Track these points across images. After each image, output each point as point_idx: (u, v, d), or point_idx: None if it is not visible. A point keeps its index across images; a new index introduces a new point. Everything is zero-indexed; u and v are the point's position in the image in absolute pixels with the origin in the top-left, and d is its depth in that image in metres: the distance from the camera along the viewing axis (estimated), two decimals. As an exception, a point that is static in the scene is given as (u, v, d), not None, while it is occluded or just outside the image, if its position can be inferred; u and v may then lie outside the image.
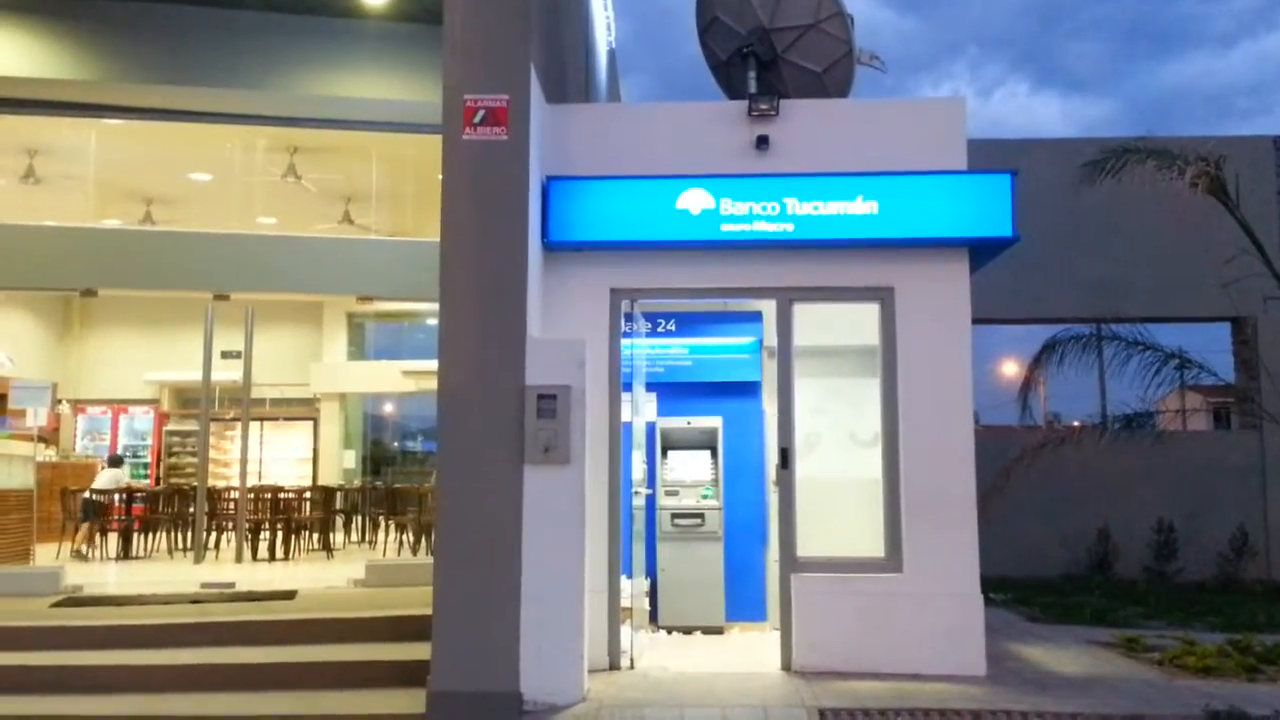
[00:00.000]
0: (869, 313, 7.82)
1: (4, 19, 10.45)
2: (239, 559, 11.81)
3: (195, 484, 12.93)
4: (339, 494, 14.75)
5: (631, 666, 7.48)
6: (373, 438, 19.64)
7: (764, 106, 7.80)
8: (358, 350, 18.71)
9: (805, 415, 7.96)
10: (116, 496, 12.46)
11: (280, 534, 12.32)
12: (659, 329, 9.49)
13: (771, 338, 8.32)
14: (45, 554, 11.71)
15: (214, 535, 12.79)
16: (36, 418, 11.53)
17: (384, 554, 12.44)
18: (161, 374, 17.86)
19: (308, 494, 13.51)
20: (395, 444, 20.16)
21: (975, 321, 7.85)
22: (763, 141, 7.80)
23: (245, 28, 10.65)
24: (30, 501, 10.68)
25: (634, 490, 8.14)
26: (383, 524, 13.78)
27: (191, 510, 12.60)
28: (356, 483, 16.68)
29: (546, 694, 6.43)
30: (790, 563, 7.58)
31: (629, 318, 7.98)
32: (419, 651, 6.61)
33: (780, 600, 7.67)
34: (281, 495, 12.88)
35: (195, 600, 8.58)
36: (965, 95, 8.36)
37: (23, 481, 10.63)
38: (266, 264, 12.18)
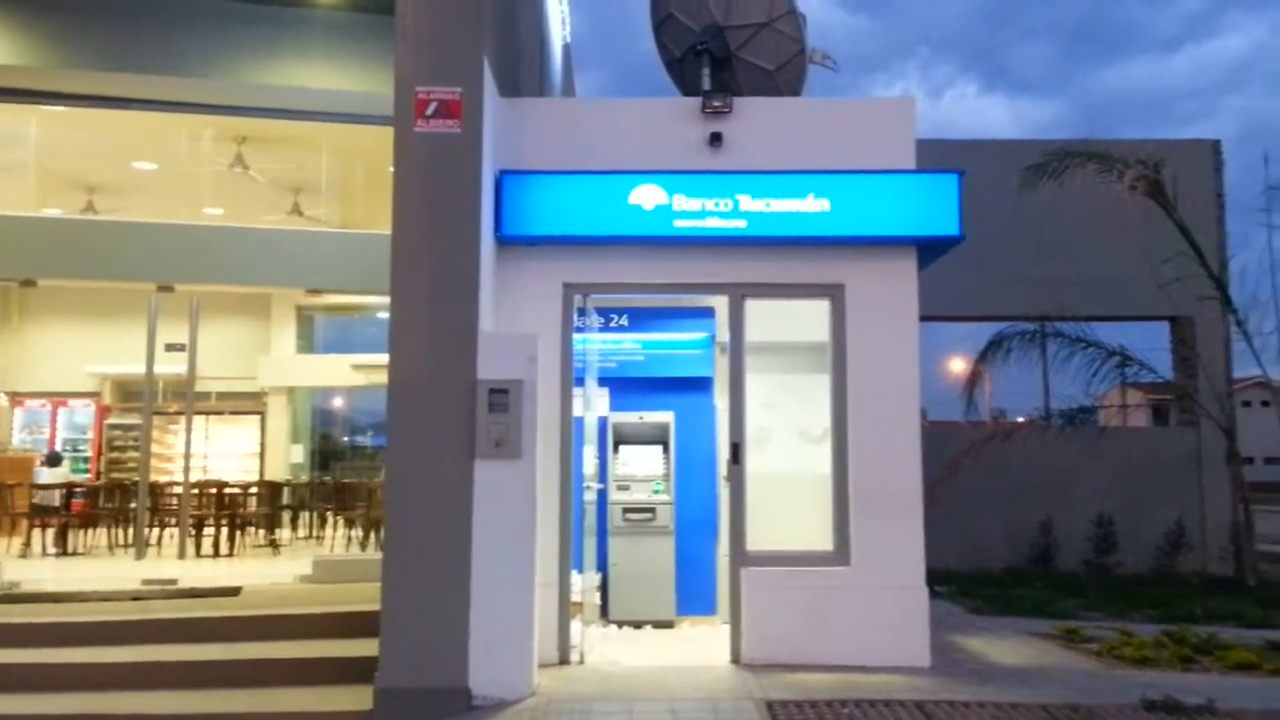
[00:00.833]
0: (820, 309, 7.90)
1: (-59, 3, 10.17)
2: (182, 555, 11.62)
3: (137, 479, 12.71)
4: (286, 489, 14.57)
5: (581, 661, 7.50)
6: (321, 432, 19.41)
7: (718, 104, 7.85)
8: (306, 344, 18.46)
9: (756, 410, 8.01)
10: (58, 494, 12.21)
11: (225, 530, 12.15)
12: (611, 324, 9.50)
13: (723, 333, 8.37)
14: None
15: (156, 531, 12.57)
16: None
17: (331, 549, 12.33)
18: (103, 366, 17.50)
19: (254, 489, 13.34)
20: (344, 438, 19.94)
21: (923, 319, 7.97)
22: (716, 138, 7.84)
23: (193, 14, 10.45)
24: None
25: (585, 485, 8.15)
26: (331, 519, 13.64)
27: (133, 505, 12.39)
28: (304, 477, 16.47)
29: (496, 689, 6.42)
30: (740, 557, 7.64)
31: (581, 312, 7.98)
32: (366, 648, 6.56)
33: (730, 594, 7.73)
34: (227, 490, 12.70)
35: (136, 597, 8.43)
36: (915, 96, 8.48)
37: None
38: (212, 255, 11.98)
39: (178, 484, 12.82)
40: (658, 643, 8.40)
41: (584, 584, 7.96)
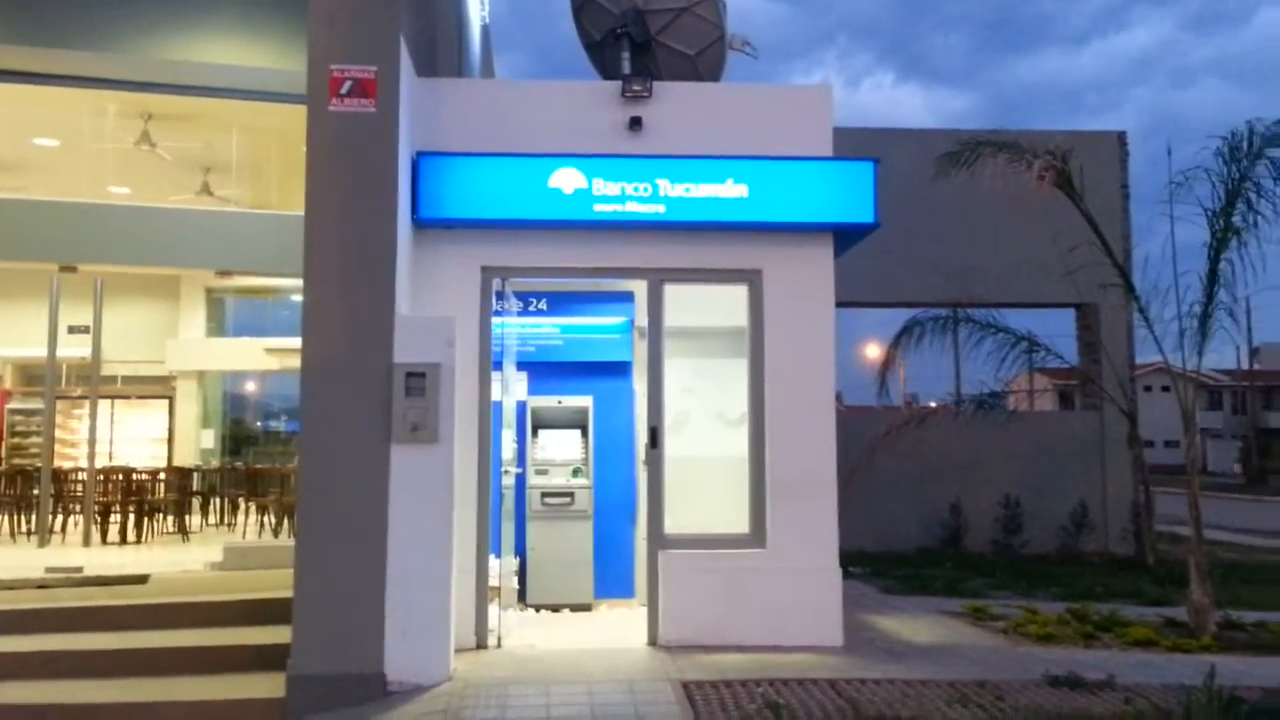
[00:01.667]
0: (738, 294, 7.97)
1: None
2: (87, 543, 11.30)
3: (40, 465, 12.31)
4: (196, 475, 14.26)
5: (499, 645, 7.49)
6: (233, 417, 19.02)
7: (637, 88, 7.85)
8: (217, 327, 18.03)
9: (675, 395, 8.07)
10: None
11: (132, 517, 11.85)
12: (530, 308, 9.47)
13: (642, 318, 8.40)
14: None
15: (60, 519, 12.21)
16: None
17: (243, 536, 12.09)
18: (3, 349, 16.91)
19: (162, 475, 13.03)
20: (257, 424, 19.59)
21: (840, 305, 8.09)
22: (636, 123, 7.85)
23: (96, -15, 10.10)
24: None
25: (503, 469, 8.13)
26: (243, 506, 13.39)
27: (36, 492, 12.01)
28: (215, 463, 16.15)
29: (412, 674, 6.39)
30: (658, 540, 7.69)
31: (500, 296, 7.94)
32: (279, 635, 6.48)
33: (648, 577, 7.78)
34: (134, 476, 12.38)
35: (41, 585, 8.17)
36: (833, 84, 8.57)
37: None
38: (118, 235, 11.61)
39: (83, 470, 12.46)
40: (575, 626, 8.42)
41: (502, 568, 7.95)
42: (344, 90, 6.69)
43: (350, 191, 6.70)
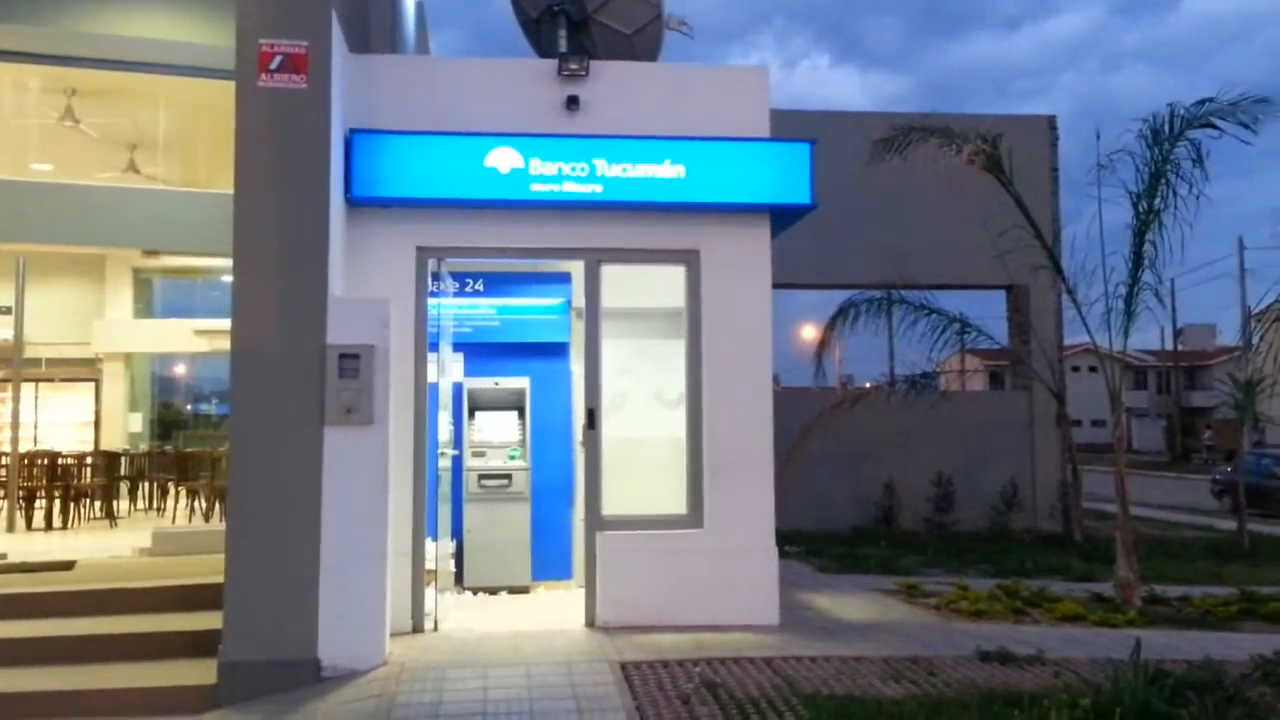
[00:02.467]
0: (675, 275, 7.97)
1: None
2: (10, 528, 11.01)
3: (-41, 450, 11.97)
4: (124, 459, 13.94)
5: (436, 629, 7.44)
6: (162, 400, 18.64)
7: (574, 67, 7.78)
8: (145, 307, 17.61)
9: (612, 376, 8.06)
10: None
11: (58, 502, 11.56)
12: (467, 289, 9.37)
13: (580, 299, 8.36)
14: None
15: (-19, 505, 11.87)
16: None
17: (173, 521, 11.86)
18: (-80, 331, 16.38)
19: (89, 459, 12.72)
20: (187, 406, 19.22)
21: (776, 286, 8.13)
22: (573, 102, 7.78)
23: (15, -45, 9.76)
24: None
25: (440, 452, 8.05)
26: (172, 490, 13.13)
27: (-45, 478, 11.66)
28: (143, 447, 15.80)
29: (347, 659, 6.33)
30: (596, 521, 7.69)
31: (435, 277, 7.86)
32: (210, 621, 6.37)
33: (585, 558, 7.78)
34: (60, 461, 12.08)
35: (-39, 573, 7.95)
36: (770, 66, 8.57)
37: None
38: (40, 213, 11.28)
39: (6, 454, 12.12)
40: (513, 608, 8.40)
41: (439, 551, 7.89)
42: (274, 65, 6.55)
43: (281, 170, 6.57)
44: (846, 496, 15.06)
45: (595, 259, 7.91)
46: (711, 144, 7.76)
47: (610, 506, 7.74)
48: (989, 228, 10.48)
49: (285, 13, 6.61)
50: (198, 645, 6.41)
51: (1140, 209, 9.10)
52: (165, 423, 18.21)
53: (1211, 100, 8.89)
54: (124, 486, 13.49)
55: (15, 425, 11.86)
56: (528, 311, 9.52)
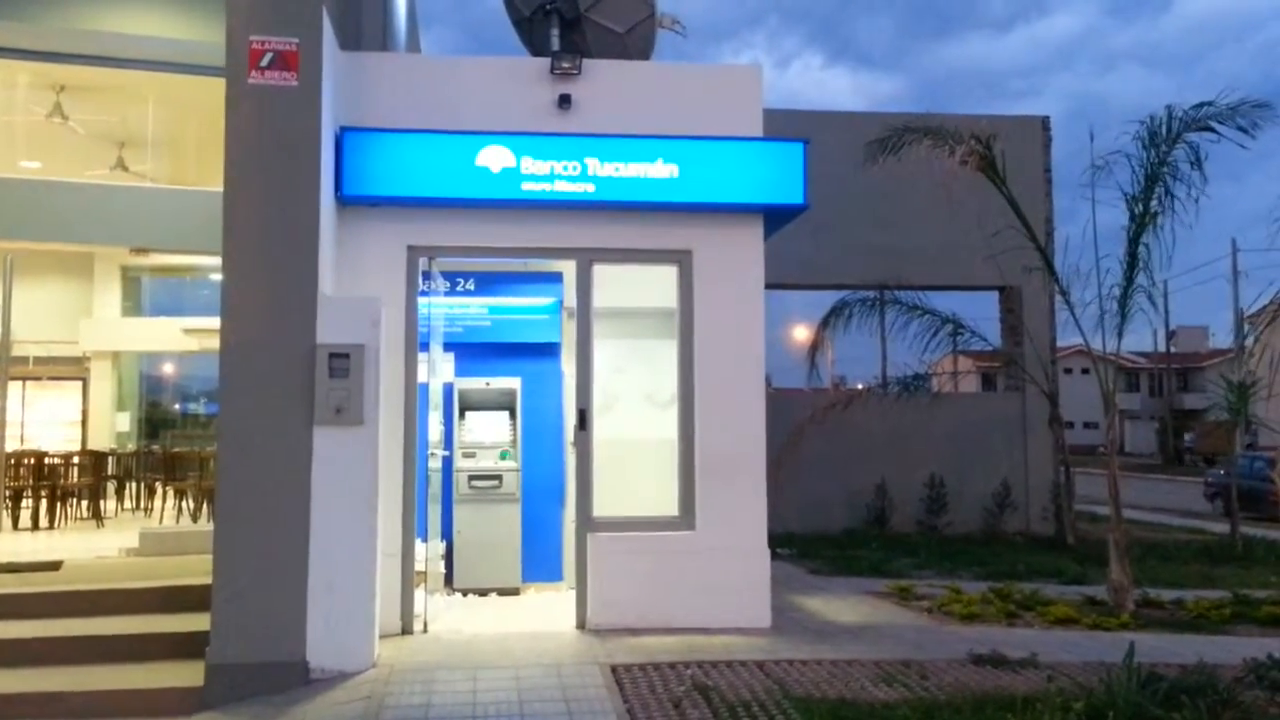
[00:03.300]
0: (668, 275, 7.92)
1: None
2: (-4, 529, 10.94)
3: (-55, 449, 11.86)
4: (111, 458, 13.85)
5: (425, 630, 7.39)
6: (150, 399, 18.54)
7: (566, 65, 7.73)
8: (133, 306, 17.53)
9: (604, 376, 8.02)
10: None
11: (45, 502, 11.48)
12: (458, 288, 9.32)
13: (571, 299, 8.31)
14: None
15: (-32, 504, 11.78)
16: None
17: (160, 521, 11.78)
18: (-94, 329, 16.26)
19: (76, 458, 12.64)
20: (175, 406, 19.11)
21: (769, 287, 8.09)
22: (565, 100, 7.74)
23: (4, -49, 9.69)
24: None
25: (430, 452, 8.01)
26: (160, 490, 13.05)
27: (-59, 477, 11.57)
28: (131, 447, 15.72)
29: (335, 662, 6.27)
30: (586, 523, 7.64)
31: (426, 276, 7.82)
32: (198, 622, 6.31)
33: (576, 560, 7.73)
34: (46, 460, 12.00)
35: (-54, 574, 7.88)
36: (763, 65, 8.53)
37: None
38: (28, 210, 11.21)
39: (-9, 454, 12.04)
40: (503, 610, 8.35)
41: (428, 552, 7.84)
42: (264, 63, 6.49)
43: (271, 167, 6.51)
44: (839, 498, 15.03)
45: (587, 259, 7.86)
46: (704, 143, 7.72)
47: (601, 508, 7.70)
48: (982, 229, 10.47)
49: (276, 10, 6.55)
50: (185, 647, 6.35)
51: (1135, 211, 9.08)
52: (153, 422, 18.13)
53: (1210, 104, 8.88)
54: (111, 486, 13.41)
55: (2, 424, 11.75)
56: (519, 311, 9.47)
